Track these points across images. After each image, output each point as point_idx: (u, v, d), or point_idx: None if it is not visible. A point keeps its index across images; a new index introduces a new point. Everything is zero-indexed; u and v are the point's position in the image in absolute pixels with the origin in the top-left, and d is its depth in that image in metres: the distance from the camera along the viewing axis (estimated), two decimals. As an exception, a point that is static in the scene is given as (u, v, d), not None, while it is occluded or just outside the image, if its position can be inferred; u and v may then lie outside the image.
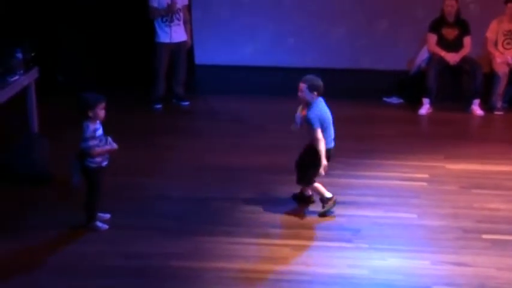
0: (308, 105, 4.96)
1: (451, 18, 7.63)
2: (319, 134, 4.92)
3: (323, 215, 5.06)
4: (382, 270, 4.35)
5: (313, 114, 4.92)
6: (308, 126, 4.97)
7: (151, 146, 6.46)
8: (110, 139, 4.73)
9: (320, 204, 5.12)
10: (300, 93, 4.96)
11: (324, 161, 4.91)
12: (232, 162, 6.05)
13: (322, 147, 4.91)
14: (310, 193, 5.24)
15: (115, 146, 4.72)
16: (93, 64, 8.62)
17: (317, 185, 5.10)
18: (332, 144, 5.05)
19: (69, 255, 4.52)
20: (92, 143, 4.62)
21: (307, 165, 5.06)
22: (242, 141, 6.63)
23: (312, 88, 4.92)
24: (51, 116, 6.76)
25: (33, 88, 6.12)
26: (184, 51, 7.73)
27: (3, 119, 6.58)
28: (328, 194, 5.09)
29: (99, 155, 4.68)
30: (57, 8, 8.62)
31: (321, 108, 4.98)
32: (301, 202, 5.24)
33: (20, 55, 5.79)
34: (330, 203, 5.07)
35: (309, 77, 4.98)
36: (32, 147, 5.65)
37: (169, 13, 7.36)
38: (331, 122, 5.03)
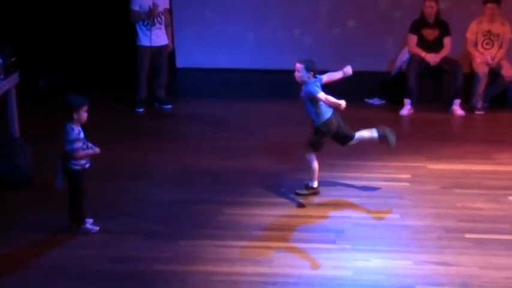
0: (304, 84, 5.23)
1: (431, 19, 7.70)
2: (323, 95, 5.17)
3: (297, 194, 5.36)
4: (366, 270, 4.37)
5: (311, 87, 5.19)
6: (311, 100, 5.22)
7: (134, 149, 6.45)
8: (89, 144, 4.75)
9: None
10: (296, 73, 5.25)
11: (338, 101, 5.15)
12: (216, 165, 6.05)
13: (331, 98, 5.16)
14: (316, 185, 5.38)
15: (97, 149, 4.73)
16: (74, 68, 8.60)
17: (315, 167, 5.31)
18: (331, 112, 5.33)
19: (53, 259, 4.50)
20: (77, 145, 4.63)
21: (311, 136, 5.34)
22: (225, 144, 6.63)
23: (308, 68, 5.21)
24: (32, 120, 6.72)
25: (14, 93, 6.09)
26: (166, 54, 7.73)
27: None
28: (315, 184, 5.34)
29: (83, 157, 4.68)
30: (39, 12, 8.58)
31: (317, 83, 5.25)
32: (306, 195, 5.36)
33: (0, 60, 5.74)
34: (311, 191, 5.36)
35: (306, 58, 5.32)
36: (13, 151, 5.62)
37: (150, 17, 7.35)
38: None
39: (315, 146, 5.36)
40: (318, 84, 5.26)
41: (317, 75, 5.26)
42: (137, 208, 5.24)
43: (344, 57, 9.03)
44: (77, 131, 4.65)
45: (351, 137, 5.50)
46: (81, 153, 4.66)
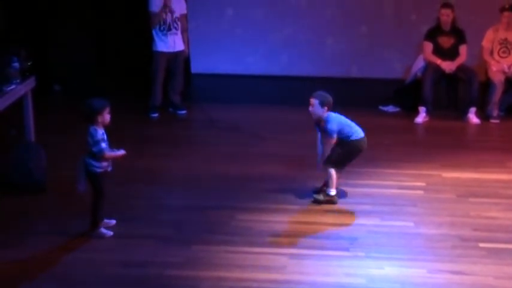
0: (322, 120, 5.26)
1: (446, 27, 7.67)
2: (334, 140, 5.28)
3: (316, 201, 5.32)
4: (379, 278, 4.34)
5: (332, 127, 5.24)
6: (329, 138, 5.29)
7: (148, 154, 6.46)
8: (118, 150, 4.80)
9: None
10: (311, 108, 5.24)
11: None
12: (230, 171, 6.05)
13: (330, 146, 5.29)
14: (333, 193, 5.37)
15: (123, 151, 4.77)
16: (89, 73, 8.64)
17: (335, 175, 5.31)
18: (362, 135, 5.36)
19: (67, 264, 4.50)
20: (104, 145, 4.67)
21: (337, 152, 5.33)
22: (240, 150, 6.63)
23: (323, 103, 5.21)
24: (47, 125, 6.76)
25: (30, 97, 6.12)
26: (182, 60, 7.75)
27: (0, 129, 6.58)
28: (333, 192, 5.32)
29: (110, 158, 4.73)
30: (55, 17, 8.64)
31: (336, 119, 5.29)
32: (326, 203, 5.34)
33: (16, 64, 5.78)
34: (328, 199, 5.32)
35: (320, 92, 5.29)
36: (28, 156, 5.64)
37: (166, 9, 7.30)
38: (348, 120, 5.37)
39: (338, 163, 5.36)
40: (335, 117, 5.27)
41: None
42: (150, 213, 5.24)
43: (359, 63, 9.05)
44: (101, 132, 4.71)
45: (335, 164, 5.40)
46: (109, 153, 4.70)
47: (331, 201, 5.33)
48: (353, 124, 5.37)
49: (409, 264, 4.50)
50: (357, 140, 5.32)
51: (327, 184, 5.39)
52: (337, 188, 5.39)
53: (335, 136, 5.25)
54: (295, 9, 8.99)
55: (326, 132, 5.28)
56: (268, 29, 9.08)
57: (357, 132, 5.33)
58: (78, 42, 8.68)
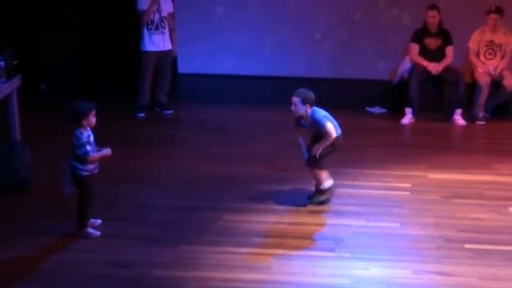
0: (305, 117, 5.21)
1: (433, 29, 7.70)
2: (330, 126, 5.16)
3: (314, 203, 5.31)
4: (364, 279, 4.35)
5: (318, 115, 5.18)
6: (319, 130, 5.19)
7: (135, 154, 6.44)
8: (102, 148, 4.77)
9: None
10: (293, 107, 5.21)
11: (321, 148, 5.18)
12: (217, 172, 6.05)
13: (330, 139, 5.17)
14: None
15: (108, 150, 4.75)
16: (75, 72, 8.60)
17: (324, 173, 5.29)
18: (339, 131, 5.29)
19: (54, 263, 4.49)
20: (88, 148, 4.64)
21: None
22: (226, 150, 6.63)
23: (304, 101, 5.16)
24: (33, 124, 6.72)
25: (15, 96, 6.08)
26: (170, 59, 7.74)
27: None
28: (327, 184, 5.30)
29: (96, 160, 4.71)
30: (41, 16, 8.60)
31: (319, 111, 5.23)
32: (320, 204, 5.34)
33: (2, 63, 5.75)
34: (325, 195, 5.32)
35: (301, 90, 5.24)
36: (13, 154, 5.61)
37: (154, 7, 7.29)
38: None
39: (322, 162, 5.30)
40: (318, 110, 5.20)
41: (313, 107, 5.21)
42: (137, 213, 5.24)
43: (345, 64, 9.07)
44: (86, 135, 4.69)
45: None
46: (93, 155, 4.68)
47: (330, 192, 5.33)
48: (333, 119, 5.31)
49: (395, 265, 4.53)
50: (338, 137, 5.27)
51: (318, 183, 5.36)
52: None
53: (328, 124, 5.14)
54: (285, 10, 8.99)
55: (316, 125, 5.17)
56: (256, 29, 9.08)
57: (337, 127, 5.29)
58: (64, 41, 8.64)
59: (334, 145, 5.26)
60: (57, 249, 4.66)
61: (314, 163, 5.28)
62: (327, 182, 5.34)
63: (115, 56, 8.50)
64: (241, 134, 7.12)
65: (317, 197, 5.35)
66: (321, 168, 5.30)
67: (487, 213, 5.30)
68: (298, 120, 5.29)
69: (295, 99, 5.17)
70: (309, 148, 5.29)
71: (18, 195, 5.45)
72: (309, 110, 5.18)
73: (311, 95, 5.19)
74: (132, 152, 6.47)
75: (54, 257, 4.57)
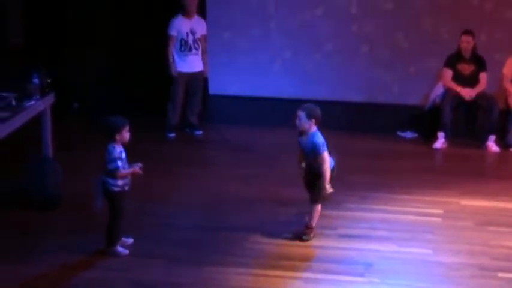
0: (308, 133, 5.02)
1: (467, 54, 7.62)
2: (326, 156, 4.97)
3: (300, 239, 5.08)
4: (395, 306, 4.28)
5: (318, 140, 4.98)
6: (313, 152, 4.99)
7: (163, 174, 6.44)
8: (135, 164, 4.79)
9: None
10: (297, 121, 5.02)
11: (327, 184, 4.99)
12: (245, 192, 6.01)
13: (328, 168, 4.95)
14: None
15: (139, 166, 4.75)
16: (108, 91, 8.68)
17: (318, 210, 5.13)
18: (333, 164, 5.08)
19: (82, 281, 4.49)
20: (120, 163, 4.66)
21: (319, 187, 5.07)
22: (255, 171, 6.59)
23: (309, 116, 4.98)
24: (65, 141, 6.78)
25: (49, 113, 6.13)
26: (201, 81, 7.77)
27: (18, 144, 6.59)
28: (313, 224, 5.12)
29: (126, 176, 4.73)
30: (72, 34, 8.71)
31: (320, 136, 5.02)
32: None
33: (36, 80, 5.81)
34: (311, 234, 5.11)
35: (307, 105, 5.08)
36: (45, 172, 5.65)
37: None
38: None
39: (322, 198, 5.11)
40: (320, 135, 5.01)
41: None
42: (163, 232, 5.21)
43: (377, 89, 9.01)
44: (119, 151, 4.71)
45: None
46: (123, 172, 4.69)
47: (313, 234, 5.12)
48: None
49: (426, 292, 4.43)
50: (332, 170, 5.05)
51: (309, 219, 5.14)
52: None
53: (325, 154, 4.94)
54: (316, 33, 8.99)
55: (313, 148, 4.95)
56: (286, 51, 9.08)
57: (331, 160, 5.07)
58: (97, 60, 8.73)
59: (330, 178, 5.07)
60: (83, 267, 4.65)
61: (322, 199, 5.10)
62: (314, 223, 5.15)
63: (146, 75, 8.55)
64: (270, 155, 7.08)
65: (306, 235, 5.12)
66: (324, 200, 5.11)
67: (521, 242, 5.17)
68: (300, 134, 5.10)
69: (300, 113, 4.98)
70: (306, 182, 5.15)
71: (46, 212, 5.46)
72: (313, 128, 4.99)
73: (317, 111, 5.01)
74: (160, 171, 6.46)
75: (81, 274, 4.56)
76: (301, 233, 5.13)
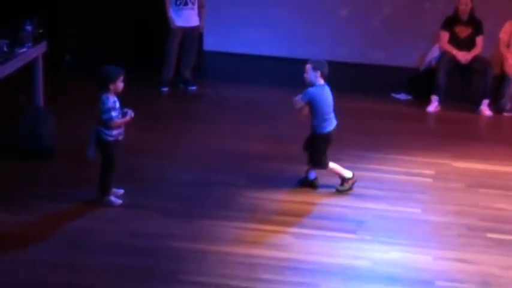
0: (311, 85, 5.12)
1: (464, 17, 7.58)
2: (300, 105, 5.11)
3: (339, 190, 5.26)
4: (384, 262, 4.33)
5: (309, 92, 5.09)
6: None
7: (157, 128, 6.44)
8: (125, 110, 4.76)
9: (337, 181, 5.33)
10: (305, 74, 5.13)
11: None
12: (239, 149, 6.02)
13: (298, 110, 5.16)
14: (314, 176, 5.29)
15: (131, 113, 4.75)
16: (100, 45, 8.59)
17: (332, 166, 5.25)
18: (333, 126, 5.20)
19: (74, 230, 4.52)
20: (114, 113, 4.65)
21: (314, 151, 5.20)
22: (249, 127, 6.59)
23: (315, 67, 5.08)
24: (56, 94, 6.73)
25: (41, 61, 6.07)
26: (197, 35, 7.70)
27: (10, 93, 6.56)
28: (348, 174, 5.27)
29: (120, 125, 4.72)
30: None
31: (321, 92, 5.11)
32: (307, 187, 5.28)
33: (29, 27, 5.74)
34: (350, 182, 5.26)
35: (315, 59, 5.22)
36: (37, 121, 5.62)
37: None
38: (330, 106, 5.19)
39: (324, 161, 5.24)
40: (321, 90, 5.10)
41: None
42: (158, 186, 5.23)
43: (373, 50, 8.96)
44: (113, 100, 4.68)
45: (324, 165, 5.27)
46: (117, 121, 4.68)
47: (353, 181, 5.29)
48: (331, 111, 5.18)
49: (415, 250, 4.50)
50: (329, 133, 5.18)
51: (339, 175, 5.31)
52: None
53: (301, 101, 5.08)
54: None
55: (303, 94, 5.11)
56: (285, 9, 8.99)
57: (331, 122, 5.19)
58: (90, 13, 8.61)
59: (328, 139, 5.19)
60: (74, 217, 4.68)
61: (317, 164, 5.24)
62: (347, 172, 5.29)
63: (141, 30, 8.46)
64: (265, 113, 7.07)
65: (341, 186, 5.29)
66: (325, 167, 5.23)
67: (510, 204, 5.22)
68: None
69: (308, 66, 5.11)
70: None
71: (41, 162, 5.46)
72: (320, 81, 5.09)
73: (324, 65, 5.12)
74: (153, 125, 6.46)
75: (71, 223, 4.59)
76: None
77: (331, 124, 5.18)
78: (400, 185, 5.46)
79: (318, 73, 5.08)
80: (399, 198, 5.22)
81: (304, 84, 5.16)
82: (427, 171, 5.75)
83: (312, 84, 5.10)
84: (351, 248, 4.46)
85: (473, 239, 4.69)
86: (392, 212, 5.00)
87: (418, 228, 4.81)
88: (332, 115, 5.21)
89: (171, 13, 7.42)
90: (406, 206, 5.10)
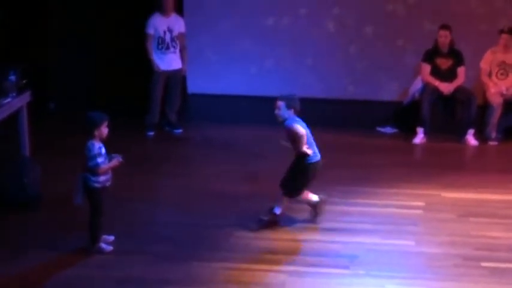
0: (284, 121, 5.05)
1: (444, 49, 7.68)
2: (300, 129, 4.98)
3: (317, 217, 5.25)
4: (380, 297, 4.28)
5: (290, 122, 5.01)
6: (292, 137, 5.04)
7: (144, 172, 6.40)
8: (113, 155, 4.72)
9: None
10: (276, 111, 5.04)
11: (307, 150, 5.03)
12: (226, 189, 5.98)
13: (304, 141, 5.00)
14: (279, 212, 5.20)
15: (119, 158, 4.70)
16: (84, 92, 8.60)
17: (306, 194, 5.21)
18: (318, 157, 5.13)
19: (64, 278, 4.43)
20: (100, 160, 4.61)
21: (297, 178, 5.13)
22: (235, 168, 6.58)
23: (289, 105, 5.01)
24: (41, 142, 6.68)
25: (25, 111, 6.05)
26: (179, 78, 7.73)
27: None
28: (315, 198, 5.22)
29: (107, 171, 4.67)
30: (50, 36, 8.62)
31: (302, 123, 5.06)
32: (271, 224, 5.18)
33: (13, 77, 5.74)
34: (321, 206, 5.22)
35: (286, 94, 5.10)
36: (23, 170, 5.56)
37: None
38: (310, 136, 5.13)
39: (300, 190, 5.18)
40: (298, 121, 5.03)
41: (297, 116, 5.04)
42: (147, 230, 5.17)
43: (356, 85, 9.03)
44: (98, 146, 4.65)
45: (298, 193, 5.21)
46: (104, 167, 4.64)
47: (274, 220, 5.17)
48: (312, 142, 5.13)
49: (411, 283, 4.45)
50: (316, 163, 5.10)
51: (277, 201, 5.20)
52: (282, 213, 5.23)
53: (296, 126, 4.95)
54: (293, 31, 8.99)
55: (288, 131, 5.00)
56: (264, 49, 9.07)
57: (316, 153, 5.12)
58: (74, 61, 8.64)
59: (315, 169, 5.12)
60: (66, 265, 4.58)
61: (293, 192, 5.17)
62: (314, 197, 5.24)
63: (124, 75, 8.49)
64: (251, 152, 7.07)
65: (263, 216, 5.18)
66: (296, 197, 5.17)
67: (503, 232, 5.21)
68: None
69: (280, 103, 4.99)
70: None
71: (28, 211, 5.38)
72: (292, 116, 5.01)
73: (296, 101, 5.04)
74: (140, 170, 6.41)
75: (62, 272, 4.49)
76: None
77: (316, 155, 5.13)
78: (391, 218, 5.43)
79: (292, 111, 5.00)
80: (391, 231, 5.18)
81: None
82: (417, 203, 5.73)
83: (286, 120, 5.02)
84: (345, 283, 4.40)
85: (468, 268, 4.64)
86: (385, 246, 4.95)
87: (412, 260, 4.76)
88: (315, 145, 5.15)
89: (154, 57, 7.45)
90: (398, 239, 5.06)
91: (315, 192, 5.29)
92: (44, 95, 8.18)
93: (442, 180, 6.27)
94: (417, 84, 7.87)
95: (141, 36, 7.50)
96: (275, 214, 5.19)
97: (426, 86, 7.69)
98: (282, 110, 5.01)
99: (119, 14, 8.55)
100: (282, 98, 5.04)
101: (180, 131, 7.77)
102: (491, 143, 7.49)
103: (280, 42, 9.03)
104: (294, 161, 5.15)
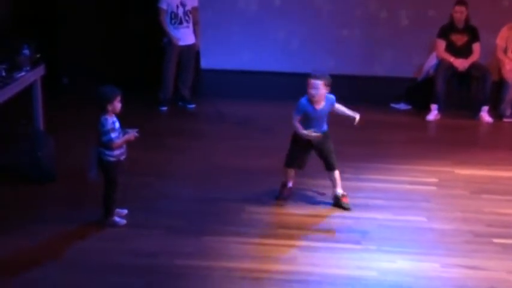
0: (319, 102, 5.02)
1: (460, 25, 7.60)
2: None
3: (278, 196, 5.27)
4: (391, 272, 4.27)
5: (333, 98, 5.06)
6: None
7: (158, 147, 6.42)
8: (127, 130, 4.71)
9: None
10: (313, 91, 4.94)
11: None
12: (239, 165, 6.00)
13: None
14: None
15: (134, 133, 4.70)
16: (98, 66, 8.61)
17: (289, 170, 5.26)
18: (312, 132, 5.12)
19: (75, 251, 4.46)
20: (113, 135, 4.62)
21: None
22: (248, 143, 6.58)
23: (327, 84, 4.97)
24: (55, 117, 6.72)
25: (39, 85, 6.08)
26: (193, 53, 7.71)
27: (9, 116, 6.55)
28: (290, 183, 5.28)
29: (121, 146, 4.67)
30: (64, 10, 8.62)
31: (329, 98, 5.09)
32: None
33: (26, 51, 5.76)
34: (285, 192, 5.27)
35: (321, 73, 5.00)
36: (36, 144, 5.60)
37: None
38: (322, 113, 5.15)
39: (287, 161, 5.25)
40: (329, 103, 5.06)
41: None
42: (160, 204, 5.19)
43: (371, 61, 8.99)
44: (111, 121, 4.65)
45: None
46: (118, 142, 4.64)
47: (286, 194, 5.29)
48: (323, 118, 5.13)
49: (422, 259, 4.45)
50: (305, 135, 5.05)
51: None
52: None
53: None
54: (312, 5, 8.93)
55: (329, 104, 5.05)
56: (282, 25, 9.03)
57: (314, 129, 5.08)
58: (87, 35, 8.65)
59: (300, 144, 5.13)
60: (79, 238, 4.62)
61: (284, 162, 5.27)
62: (290, 180, 5.30)
63: (138, 49, 8.48)
64: (264, 128, 7.07)
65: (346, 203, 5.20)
66: (285, 165, 5.26)
67: (516, 209, 5.20)
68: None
69: (318, 83, 4.91)
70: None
71: (42, 185, 5.42)
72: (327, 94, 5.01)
73: (330, 78, 5.01)
74: (154, 144, 6.44)
75: (76, 245, 4.54)
76: (340, 204, 5.15)
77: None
78: (404, 194, 5.42)
79: (328, 89, 4.99)
80: (403, 207, 5.18)
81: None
82: (430, 180, 5.72)
83: (320, 100, 5.01)
84: (356, 258, 4.41)
85: (480, 245, 4.64)
86: (397, 221, 4.95)
87: (424, 236, 4.76)
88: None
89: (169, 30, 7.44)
90: (411, 215, 5.06)
91: (321, 172, 5.28)
92: (57, 70, 8.20)
93: (455, 157, 6.25)
94: (432, 61, 7.81)
95: (154, 10, 7.49)
96: (286, 187, 5.25)
97: (441, 62, 7.63)
98: (321, 89, 4.93)
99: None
100: (319, 77, 4.93)
101: (193, 106, 7.78)
102: (506, 120, 7.44)
103: (299, 15, 8.97)
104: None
